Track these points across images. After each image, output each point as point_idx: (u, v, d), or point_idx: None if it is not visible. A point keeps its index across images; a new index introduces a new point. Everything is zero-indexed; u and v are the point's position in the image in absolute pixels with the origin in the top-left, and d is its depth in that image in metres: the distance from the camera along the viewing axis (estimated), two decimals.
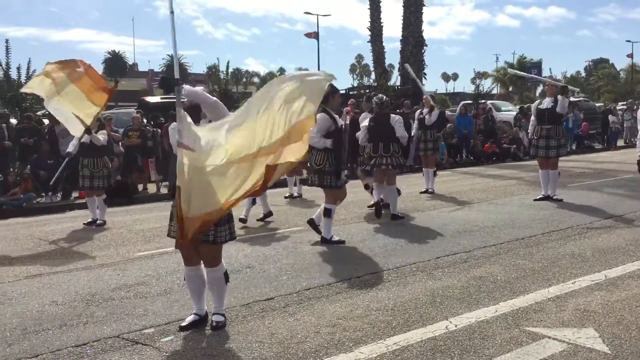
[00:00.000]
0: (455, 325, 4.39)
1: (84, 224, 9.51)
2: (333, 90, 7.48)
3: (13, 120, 14.98)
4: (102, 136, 9.46)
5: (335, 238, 7.45)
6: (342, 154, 7.46)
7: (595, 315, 4.52)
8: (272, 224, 8.94)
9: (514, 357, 3.82)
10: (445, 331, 4.29)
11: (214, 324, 4.55)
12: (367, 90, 22.30)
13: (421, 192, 11.68)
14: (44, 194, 12.41)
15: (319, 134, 7.21)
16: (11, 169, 13.26)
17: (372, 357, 3.90)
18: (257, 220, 9.10)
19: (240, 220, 8.62)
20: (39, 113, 16.18)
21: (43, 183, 12.22)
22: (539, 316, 4.54)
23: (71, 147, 8.99)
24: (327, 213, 7.47)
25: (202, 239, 4.41)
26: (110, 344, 4.32)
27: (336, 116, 7.46)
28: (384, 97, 9.45)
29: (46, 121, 15.33)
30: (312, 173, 7.61)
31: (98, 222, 9.46)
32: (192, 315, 4.63)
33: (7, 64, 15.64)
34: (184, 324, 4.56)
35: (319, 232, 7.59)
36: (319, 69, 49.72)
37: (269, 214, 9.24)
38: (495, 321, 4.45)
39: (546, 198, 10.09)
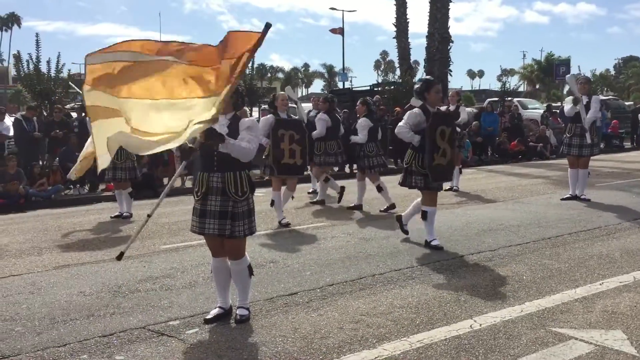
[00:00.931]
0: (480, 325, 4.36)
1: (111, 217, 9.64)
2: (429, 85, 6.77)
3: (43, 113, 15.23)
4: None
5: (436, 242, 6.80)
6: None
7: (624, 317, 4.45)
8: (296, 220, 8.96)
9: (540, 357, 3.78)
10: (470, 330, 4.26)
11: (238, 317, 4.58)
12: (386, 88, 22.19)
13: (446, 190, 11.60)
14: (72, 186, 12.61)
15: (407, 127, 6.68)
16: (40, 161, 13.49)
17: (396, 354, 3.89)
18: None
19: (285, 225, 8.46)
20: (67, 106, 16.45)
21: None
22: (565, 317, 4.48)
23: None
24: (424, 216, 6.83)
25: (221, 234, 4.46)
26: (137, 335, 4.38)
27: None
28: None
29: (74, 114, 15.57)
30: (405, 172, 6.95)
31: (124, 214, 9.58)
32: (217, 309, 4.67)
33: (38, 57, 15.85)
34: (208, 316, 4.60)
35: (404, 231, 7.35)
36: (343, 65, 49.57)
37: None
38: (521, 321, 4.41)
39: (574, 198, 9.95)
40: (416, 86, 7.02)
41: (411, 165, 6.78)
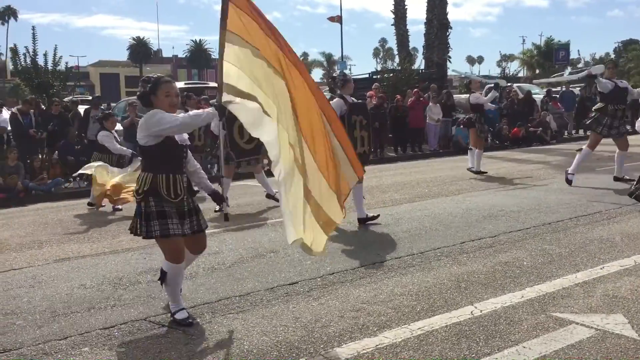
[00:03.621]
0: (481, 311, 4.36)
1: (99, 209, 9.66)
2: None
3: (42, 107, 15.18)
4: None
5: None
6: None
7: (624, 301, 4.45)
8: None
9: (541, 342, 3.78)
10: (471, 316, 4.26)
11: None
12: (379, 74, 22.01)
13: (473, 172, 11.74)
14: (71, 179, 12.60)
15: None
16: (40, 155, 13.46)
17: (397, 341, 3.89)
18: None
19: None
20: (65, 99, 16.41)
21: (71, 168, 12.39)
22: (566, 302, 4.48)
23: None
24: None
25: (203, 228, 4.58)
26: (138, 327, 4.38)
27: None
28: None
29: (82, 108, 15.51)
30: None
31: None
32: (184, 311, 4.44)
33: (34, 50, 15.80)
34: (190, 320, 4.37)
35: None
36: (342, 53, 49.37)
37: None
38: (522, 307, 4.41)
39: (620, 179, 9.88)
40: None
41: None
